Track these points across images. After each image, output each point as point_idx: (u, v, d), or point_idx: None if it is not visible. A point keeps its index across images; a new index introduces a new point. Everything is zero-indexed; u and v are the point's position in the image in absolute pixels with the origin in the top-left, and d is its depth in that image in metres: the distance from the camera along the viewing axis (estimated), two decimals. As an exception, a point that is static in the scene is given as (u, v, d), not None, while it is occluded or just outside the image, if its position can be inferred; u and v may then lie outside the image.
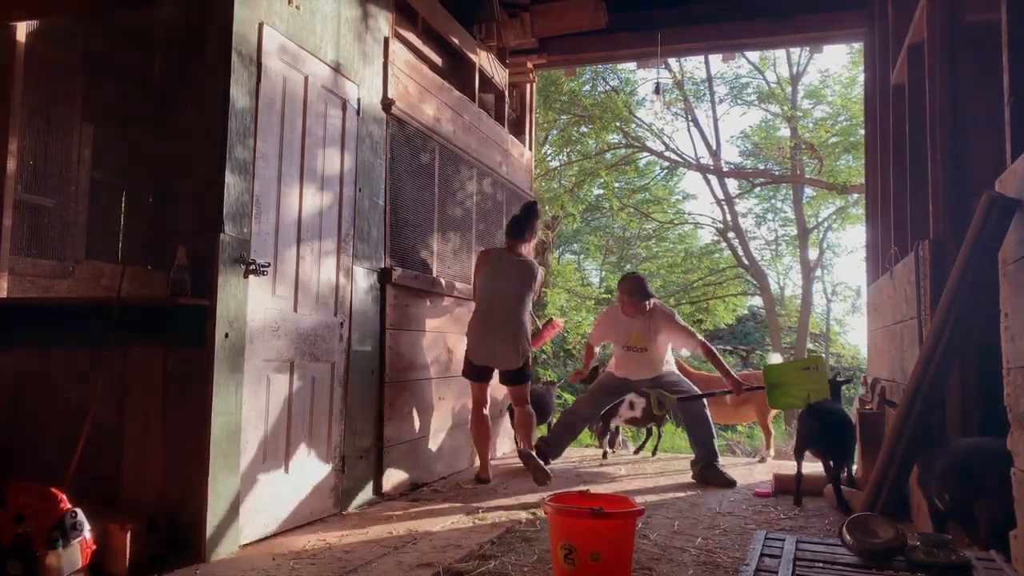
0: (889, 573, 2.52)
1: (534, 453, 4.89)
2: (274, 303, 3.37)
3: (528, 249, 4.95)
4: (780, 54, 15.93)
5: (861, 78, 8.19)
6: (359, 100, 4.04)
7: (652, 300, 5.21)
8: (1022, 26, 2.50)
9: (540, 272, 4.98)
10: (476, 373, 4.80)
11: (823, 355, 16.48)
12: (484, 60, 5.89)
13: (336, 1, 3.86)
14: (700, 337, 5.25)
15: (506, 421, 6.08)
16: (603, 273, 19.54)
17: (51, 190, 3.83)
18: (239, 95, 3.10)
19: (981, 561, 2.42)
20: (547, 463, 5.08)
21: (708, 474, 4.91)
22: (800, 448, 4.30)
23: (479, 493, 4.44)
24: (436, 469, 4.86)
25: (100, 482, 3.04)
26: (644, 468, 5.58)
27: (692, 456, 5.18)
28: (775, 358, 6.17)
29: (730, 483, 4.83)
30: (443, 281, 4.94)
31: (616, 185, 16.50)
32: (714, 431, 5.12)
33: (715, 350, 5.27)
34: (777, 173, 16.13)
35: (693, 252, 18.60)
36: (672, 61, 13.89)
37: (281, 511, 3.41)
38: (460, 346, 5.16)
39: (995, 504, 2.42)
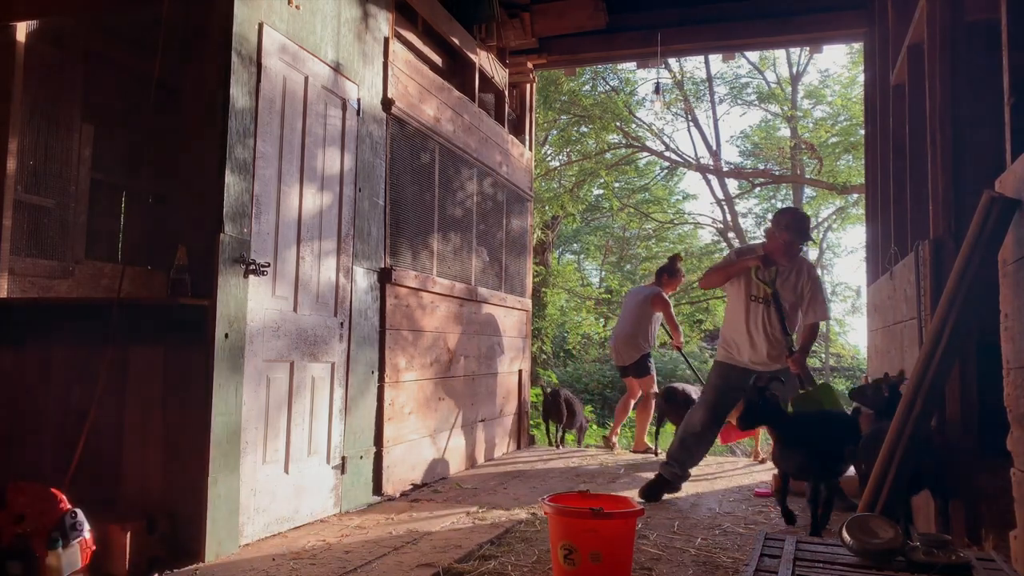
0: (889, 573, 2.51)
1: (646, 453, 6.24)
2: (274, 303, 3.37)
3: (665, 286, 6.49)
4: (780, 54, 15.97)
5: (861, 78, 8.19)
6: (359, 100, 4.04)
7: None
8: (1022, 26, 2.50)
9: (655, 294, 6.37)
10: (619, 371, 6.73)
11: (822, 355, 16.48)
12: (484, 60, 5.89)
13: (336, 1, 3.86)
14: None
15: (509, 422, 6.12)
16: (603, 273, 19.52)
17: (51, 190, 3.82)
18: (239, 95, 3.10)
19: (981, 561, 2.42)
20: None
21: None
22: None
23: (479, 493, 4.44)
24: (436, 469, 4.86)
25: (100, 482, 3.04)
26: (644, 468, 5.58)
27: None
28: None
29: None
30: (443, 281, 4.94)
31: (616, 185, 16.49)
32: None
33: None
34: (777, 173, 16.13)
35: (693, 252, 18.57)
36: (672, 61, 13.89)
37: (281, 511, 3.41)
38: (460, 346, 5.20)
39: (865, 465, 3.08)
